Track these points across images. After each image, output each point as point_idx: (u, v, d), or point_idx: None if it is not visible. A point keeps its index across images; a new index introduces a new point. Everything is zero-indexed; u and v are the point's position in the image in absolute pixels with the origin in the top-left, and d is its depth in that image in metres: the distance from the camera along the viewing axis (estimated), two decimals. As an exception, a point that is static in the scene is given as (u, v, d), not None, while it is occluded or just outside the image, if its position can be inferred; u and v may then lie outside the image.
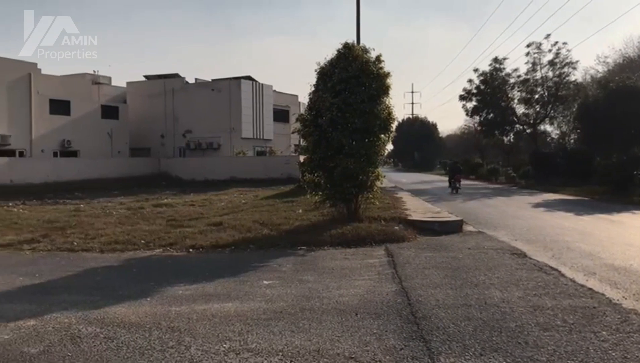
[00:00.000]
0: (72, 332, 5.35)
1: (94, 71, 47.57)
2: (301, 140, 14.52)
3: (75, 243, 11.22)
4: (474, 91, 46.33)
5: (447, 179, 32.80)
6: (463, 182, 31.34)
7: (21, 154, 35.88)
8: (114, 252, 10.46)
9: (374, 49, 12.57)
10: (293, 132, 45.05)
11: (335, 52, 12.55)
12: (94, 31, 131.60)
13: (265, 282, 7.52)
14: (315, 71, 12.72)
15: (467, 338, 5.08)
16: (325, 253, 9.94)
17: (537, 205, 21.00)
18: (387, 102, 12.49)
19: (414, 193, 26.03)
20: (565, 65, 42.07)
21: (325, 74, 12.41)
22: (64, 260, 9.81)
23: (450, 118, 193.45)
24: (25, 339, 5.15)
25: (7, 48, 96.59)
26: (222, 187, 31.95)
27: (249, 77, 44.83)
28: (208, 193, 27.39)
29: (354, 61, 12.11)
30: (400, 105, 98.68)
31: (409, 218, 13.46)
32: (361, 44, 12.99)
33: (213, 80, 45.67)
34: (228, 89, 43.26)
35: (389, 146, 13.66)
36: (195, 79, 46.67)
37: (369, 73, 12.11)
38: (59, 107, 38.40)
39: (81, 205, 21.49)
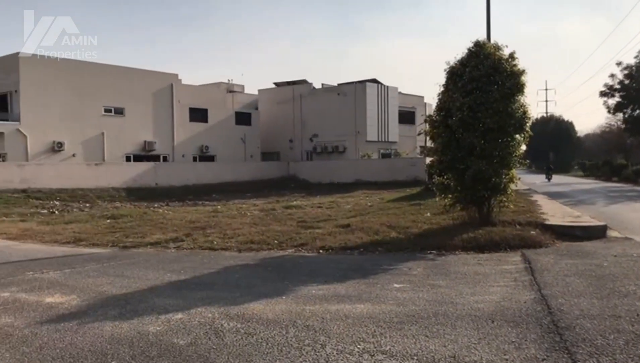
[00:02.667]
0: (216, 326, 5.66)
1: (228, 80, 50.31)
2: (429, 141, 14.27)
3: (215, 242, 11.93)
4: (617, 87, 42.96)
5: (587, 181, 33.63)
6: (604, 184, 31.18)
7: (164, 159, 38.81)
8: (250, 251, 10.98)
9: (506, 46, 12.07)
10: (419, 134, 44.55)
11: (466, 51, 12.21)
12: (234, 46, 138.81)
13: (396, 285, 7.47)
14: (445, 70, 12.47)
15: (618, 352, 4.68)
16: (457, 258, 9.68)
17: (694, 210, 18.96)
18: (522, 100, 11.92)
19: (551, 196, 24.59)
20: None
21: (455, 73, 12.11)
22: (205, 258, 10.45)
23: (589, 116, 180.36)
24: (174, 331, 5.53)
25: (7, 48, 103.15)
26: (347, 189, 32.33)
27: (374, 80, 44.99)
28: (334, 195, 27.86)
29: (486, 59, 11.70)
30: (533, 103, 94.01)
31: (546, 222, 12.73)
32: (492, 41, 12.52)
33: (339, 84, 46.43)
34: (353, 93, 43.72)
35: (523, 147, 12.96)
36: (322, 84, 47.75)
37: (502, 71, 11.63)
38: (198, 115, 41.11)
39: (218, 206, 22.78)
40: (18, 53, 32.06)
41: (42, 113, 32.42)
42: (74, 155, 33.86)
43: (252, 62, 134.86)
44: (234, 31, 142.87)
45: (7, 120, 31.91)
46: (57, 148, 33.08)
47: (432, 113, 13.48)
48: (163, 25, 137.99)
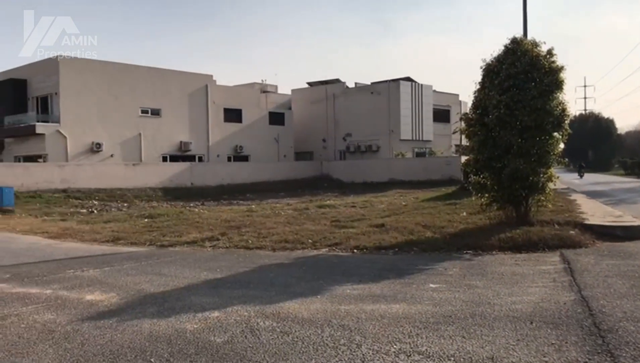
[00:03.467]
0: (252, 324, 5.70)
1: (262, 81, 50.66)
2: (464, 140, 14.09)
3: (250, 241, 12.03)
4: (660, 82, 41.60)
5: (628, 180, 34.25)
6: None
7: (200, 159, 39.34)
8: (284, 250, 11.03)
9: (544, 42, 11.83)
10: (454, 132, 44.02)
11: (502, 48, 12.01)
12: (267, 46, 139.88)
13: (431, 285, 7.40)
14: (481, 68, 12.29)
15: (664, 356, 4.54)
16: (494, 258, 9.54)
17: None
18: (560, 97, 11.67)
19: (590, 195, 24.01)
20: None
21: (492, 70, 11.93)
22: (240, 257, 10.55)
23: (631, 113, 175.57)
24: (211, 329, 5.59)
25: (7, 48, 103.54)
26: (381, 189, 32.21)
27: (408, 79, 44.71)
28: (367, 195, 27.78)
29: (523, 56, 11.49)
30: (571, 100, 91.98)
31: (586, 222, 12.43)
32: (530, 38, 12.29)
33: (372, 83, 46.30)
34: (387, 92, 43.54)
35: (561, 145, 12.69)
36: (355, 83, 47.67)
37: (540, 68, 11.41)
38: (232, 115, 41.56)
39: (253, 206, 22.95)
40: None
41: (81, 114, 33.22)
42: (112, 155, 34.59)
43: (286, 62, 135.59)
44: (267, 31, 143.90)
45: (47, 122, 32.78)
46: (95, 148, 33.83)
47: (467, 111, 13.31)
48: (196, 26, 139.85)
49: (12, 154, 34.46)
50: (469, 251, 10.12)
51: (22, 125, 33.05)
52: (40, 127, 32.16)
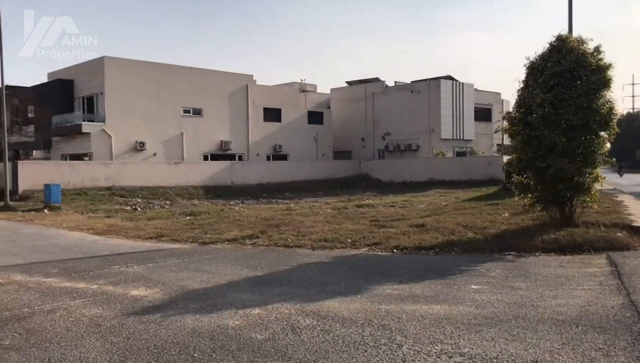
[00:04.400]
0: (292, 322, 5.75)
1: (301, 80, 50.91)
2: (507, 139, 13.84)
3: (289, 240, 12.10)
4: None
5: None
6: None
7: (240, 158, 39.78)
8: (323, 249, 11.06)
9: (591, 39, 11.51)
10: (496, 132, 43.43)
11: (547, 45, 11.75)
12: (306, 46, 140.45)
13: (473, 287, 7.31)
14: (524, 66, 12.05)
15: None
16: (537, 260, 9.35)
17: None
18: (607, 96, 11.34)
19: (638, 196, 23.26)
20: None
21: (536, 68, 11.67)
22: (280, 255, 10.63)
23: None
24: (253, 326, 5.66)
25: (6, 48, 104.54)
26: (420, 188, 31.94)
27: (449, 77, 44.22)
28: (407, 194, 27.60)
29: (569, 53, 11.21)
30: (618, 99, 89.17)
31: (634, 223, 12.04)
32: (576, 35, 11.98)
33: (412, 82, 45.95)
34: (427, 90, 43.15)
35: (607, 145, 12.31)
36: (395, 81, 47.41)
37: (587, 65, 11.11)
38: (271, 114, 41.88)
39: (291, 205, 23.09)
40: (104, 57, 33.75)
41: (125, 114, 34.00)
42: (154, 154, 35.29)
43: (325, 61, 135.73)
44: (306, 31, 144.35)
45: (93, 121, 33.67)
46: (139, 147, 34.57)
47: (510, 110, 13.08)
48: (235, 26, 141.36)
49: (60, 152, 35.52)
50: (511, 253, 9.96)
51: (69, 124, 34.04)
52: (86, 127, 33.06)
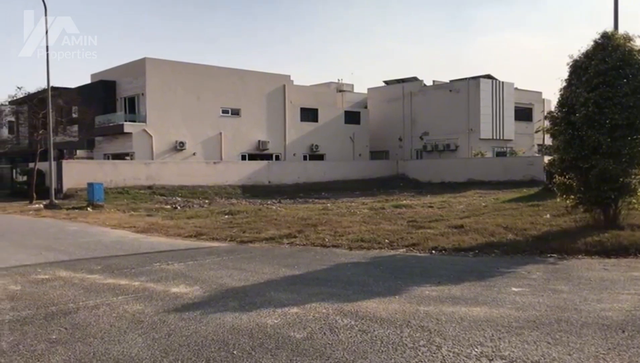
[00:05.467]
0: (330, 322, 5.76)
1: (338, 80, 50.90)
2: (548, 139, 13.54)
3: (326, 239, 12.13)
4: None
5: None
6: None
7: (276, 158, 40.04)
8: (360, 249, 11.05)
9: (639, 36, 11.17)
10: (536, 131, 42.50)
11: (591, 43, 11.46)
12: (343, 45, 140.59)
13: (514, 289, 7.19)
14: (567, 64, 11.78)
15: None
16: (580, 262, 9.14)
17: None
18: (656, 95, 10.98)
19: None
20: None
21: (579, 67, 11.40)
22: (317, 254, 10.67)
23: None
24: (291, 325, 5.69)
25: (6, 48, 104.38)
26: (459, 189, 31.57)
27: (488, 76, 43.56)
28: (445, 195, 27.31)
29: (614, 51, 10.90)
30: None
31: (683, 227, 11.65)
32: (622, 32, 11.64)
33: (450, 81, 45.42)
34: (466, 89, 42.60)
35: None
36: (433, 81, 46.92)
37: (634, 63, 10.78)
38: (308, 114, 42.02)
39: (328, 204, 23.11)
40: (145, 58, 34.44)
41: (165, 114, 34.62)
42: (194, 154, 35.82)
43: (362, 61, 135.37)
44: (342, 30, 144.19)
45: (134, 121, 34.39)
46: (179, 147, 35.14)
47: (552, 109, 12.80)
48: (274, 26, 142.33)
49: (102, 152, 36.40)
50: (553, 255, 9.77)
51: (111, 124, 34.85)
52: (127, 127, 33.80)
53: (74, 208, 23.14)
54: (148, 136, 34.18)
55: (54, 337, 5.46)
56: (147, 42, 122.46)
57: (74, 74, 74.18)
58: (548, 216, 14.27)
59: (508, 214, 15.53)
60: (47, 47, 25.12)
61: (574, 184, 11.86)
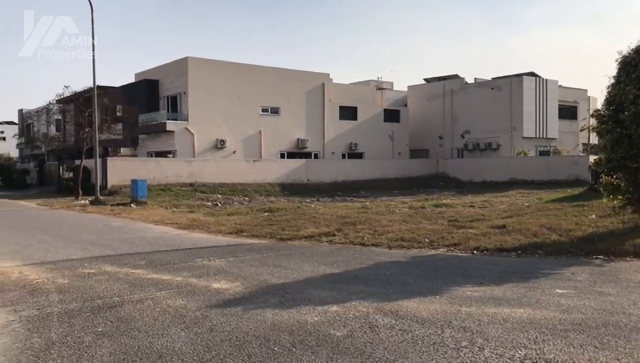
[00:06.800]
0: (370, 320, 5.74)
1: (378, 78, 50.61)
2: (594, 138, 13.18)
3: (366, 238, 12.10)
4: None
5: None
6: None
7: (315, 156, 40.12)
8: (400, 249, 10.98)
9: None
10: (582, 130, 41.41)
11: (641, 38, 11.10)
12: (383, 43, 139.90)
13: (558, 291, 7.03)
14: (616, 60, 11.43)
15: None
16: (628, 265, 8.87)
17: None
18: None
19: None
20: None
21: (629, 63, 11.04)
22: (356, 253, 10.65)
23: None
24: (331, 323, 5.70)
25: (6, 48, 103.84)
26: (501, 188, 31.06)
27: (531, 73, 42.67)
28: (486, 194, 26.89)
29: (666, 47, 10.54)
30: None
31: None
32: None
33: (493, 78, 44.68)
34: (509, 87, 41.83)
35: None
36: (475, 78, 46.23)
37: (686, 59, 10.41)
38: (347, 113, 41.95)
39: (367, 203, 23.05)
40: (187, 57, 34.98)
41: (207, 113, 35.10)
42: (234, 152, 36.21)
43: (402, 59, 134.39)
44: (382, 27, 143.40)
45: (176, 119, 34.99)
46: (219, 145, 35.59)
47: (599, 107, 12.45)
48: (314, 24, 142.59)
49: (145, 149, 37.17)
50: (599, 257, 9.50)
51: (154, 123, 35.53)
52: (170, 125, 34.41)
53: (118, 204, 23.70)
54: (190, 134, 34.73)
55: (100, 329, 5.61)
56: (188, 41, 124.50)
57: (117, 74, 75.74)
58: (594, 216, 13.90)
59: (552, 214, 15.19)
60: (93, 46, 25.72)
61: (622, 184, 11.52)
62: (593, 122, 12.37)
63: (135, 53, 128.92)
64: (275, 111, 38.44)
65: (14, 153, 58.55)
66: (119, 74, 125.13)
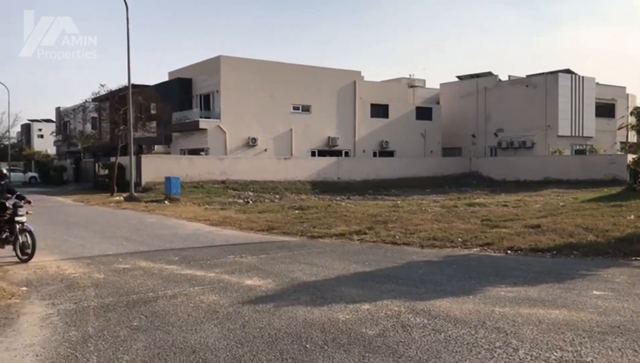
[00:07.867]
0: (402, 320, 5.71)
1: (410, 75, 50.25)
2: (633, 136, 12.85)
3: (397, 237, 12.03)
4: None
5: None
6: None
7: (346, 154, 40.06)
8: (432, 248, 10.89)
9: None
10: (620, 128, 40.33)
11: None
12: (416, 40, 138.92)
13: (595, 292, 6.88)
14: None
15: None
16: (669, 267, 8.63)
17: None
18: None
19: None
20: None
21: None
22: (388, 251, 10.60)
23: None
24: (363, 321, 5.69)
25: (6, 48, 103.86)
26: (535, 188, 30.52)
27: (567, 71, 41.79)
28: (520, 194, 26.44)
29: None
30: None
31: None
32: None
33: (527, 76, 43.92)
34: (544, 85, 41.07)
35: None
36: (509, 76, 45.52)
37: None
38: (378, 110, 41.76)
39: (398, 201, 22.90)
40: (219, 56, 35.29)
41: (238, 111, 35.36)
42: (265, 150, 36.41)
43: (434, 56, 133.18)
44: (414, 26, 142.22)
45: (209, 118, 35.34)
46: (251, 143, 35.82)
47: (638, 105, 12.13)
48: (343, 22, 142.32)
49: (179, 147, 37.66)
50: (638, 258, 9.26)
51: (187, 121, 35.95)
52: (203, 123, 34.78)
53: (152, 201, 24.06)
54: (222, 132, 35.04)
55: (135, 324, 5.71)
56: (221, 40, 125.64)
57: (151, 72, 76.88)
58: (632, 217, 13.55)
59: (588, 214, 14.85)
60: (127, 46, 26.20)
61: (662, 184, 11.21)
62: (632, 120, 12.11)
63: (169, 52, 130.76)
64: (306, 109, 38.50)
65: (52, 150, 60.08)
66: (153, 73, 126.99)
